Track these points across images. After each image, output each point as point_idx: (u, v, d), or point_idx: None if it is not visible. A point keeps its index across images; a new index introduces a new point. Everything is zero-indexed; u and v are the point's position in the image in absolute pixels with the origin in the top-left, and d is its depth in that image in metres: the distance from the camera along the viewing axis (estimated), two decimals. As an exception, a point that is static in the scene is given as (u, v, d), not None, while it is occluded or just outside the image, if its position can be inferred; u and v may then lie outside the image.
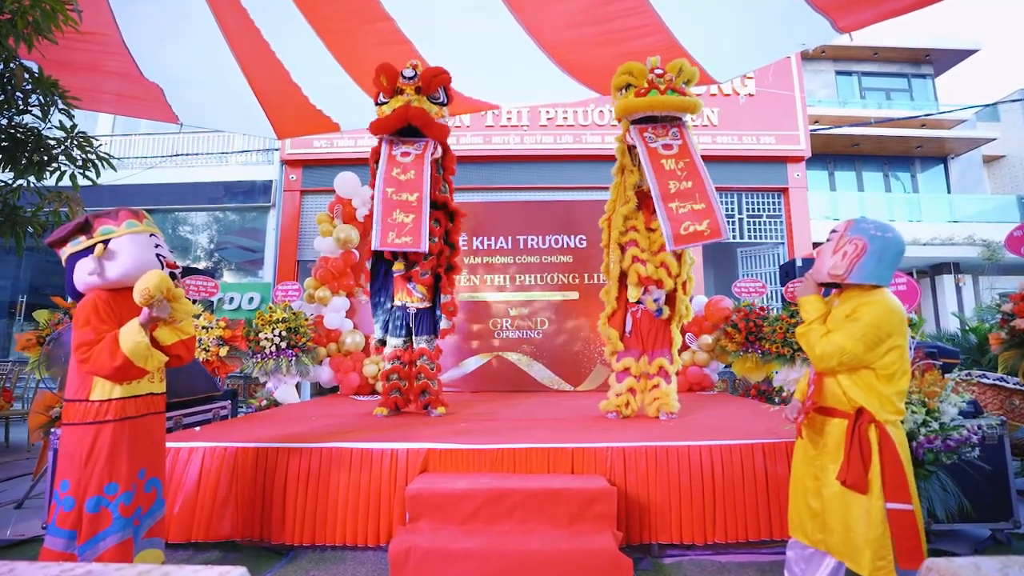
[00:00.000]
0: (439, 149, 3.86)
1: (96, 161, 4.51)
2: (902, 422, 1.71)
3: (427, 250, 3.40)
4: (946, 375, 2.82)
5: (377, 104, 3.86)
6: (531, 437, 2.81)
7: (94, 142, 4.57)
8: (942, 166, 13.24)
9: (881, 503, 1.54)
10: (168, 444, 2.66)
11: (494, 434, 2.93)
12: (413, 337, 4.02)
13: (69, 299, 2.20)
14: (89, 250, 1.97)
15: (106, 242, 1.98)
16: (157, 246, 2.08)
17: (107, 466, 1.84)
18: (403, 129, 3.70)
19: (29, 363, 4.27)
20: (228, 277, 9.82)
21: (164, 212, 9.71)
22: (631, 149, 3.71)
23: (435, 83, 3.81)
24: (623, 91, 3.57)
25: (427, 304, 3.98)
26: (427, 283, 3.90)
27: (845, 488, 1.59)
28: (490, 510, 2.30)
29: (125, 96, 5.44)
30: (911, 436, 2.05)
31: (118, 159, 9.89)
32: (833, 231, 1.82)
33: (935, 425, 2.04)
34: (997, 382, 3.40)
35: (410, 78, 3.75)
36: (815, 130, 10.68)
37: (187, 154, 9.67)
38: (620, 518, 2.44)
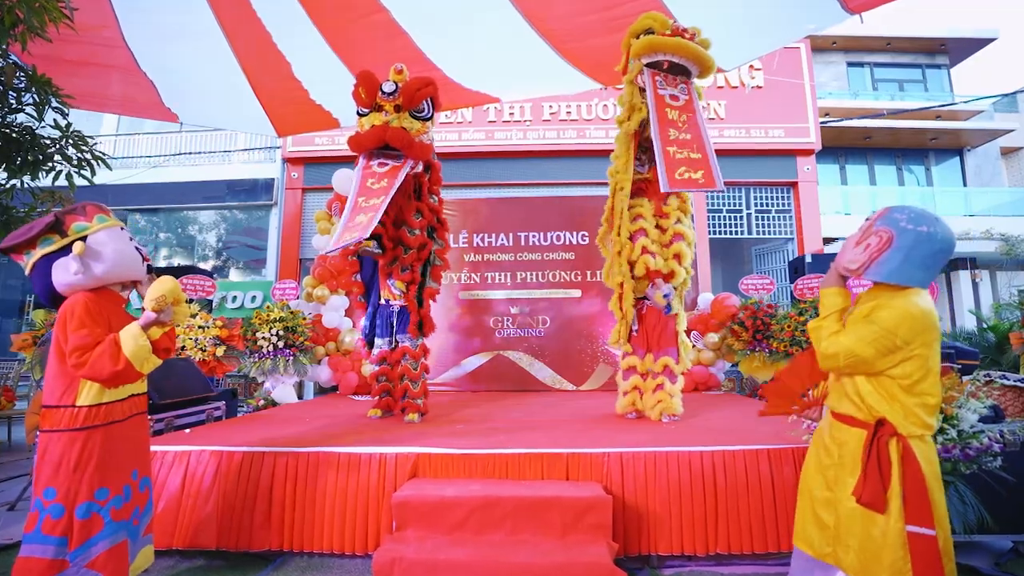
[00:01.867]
0: (421, 164, 3.66)
1: (92, 160, 4.47)
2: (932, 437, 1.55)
3: (367, 235, 3.01)
4: (965, 377, 2.68)
5: (358, 115, 3.66)
6: (525, 441, 2.71)
7: (89, 141, 4.54)
8: (958, 158, 12.90)
9: (900, 525, 1.40)
10: (154, 448, 2.60)
11: (487, 437, 2.84)
12: (395, 336, 3.87)
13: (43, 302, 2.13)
14: (65, 250, 1.91)
15: (84, 239, 1.91)
16: (131, 238, 2.03)
17: (97, 472, 1.80)
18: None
19: (24, 363, 4.25)
20: (233, 275, 9.81)
21: (168, 211, 9.72)
22: (641, 92, 3.63)
23: (418, 97, 3.54)
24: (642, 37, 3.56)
25: (406, 302, 3.83)
26: (406, 279, 3.76)
27: (862, 506, 1.47)
28: (480, 519, 2.20)
29: (126, 96, 5.41)
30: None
31: (122, 159, 9.93)
32: (868, 218, 1.62)
33: (952, 433, 1.91)
34: (1018, 383, 3.24)
35: (390, 93, 3.48)
36: (825, 123, 10.45)
37: (190, 153, 9.66)
38: (617, 527, 2.33)
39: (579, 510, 2.20)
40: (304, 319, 5.34)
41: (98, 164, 4.50)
